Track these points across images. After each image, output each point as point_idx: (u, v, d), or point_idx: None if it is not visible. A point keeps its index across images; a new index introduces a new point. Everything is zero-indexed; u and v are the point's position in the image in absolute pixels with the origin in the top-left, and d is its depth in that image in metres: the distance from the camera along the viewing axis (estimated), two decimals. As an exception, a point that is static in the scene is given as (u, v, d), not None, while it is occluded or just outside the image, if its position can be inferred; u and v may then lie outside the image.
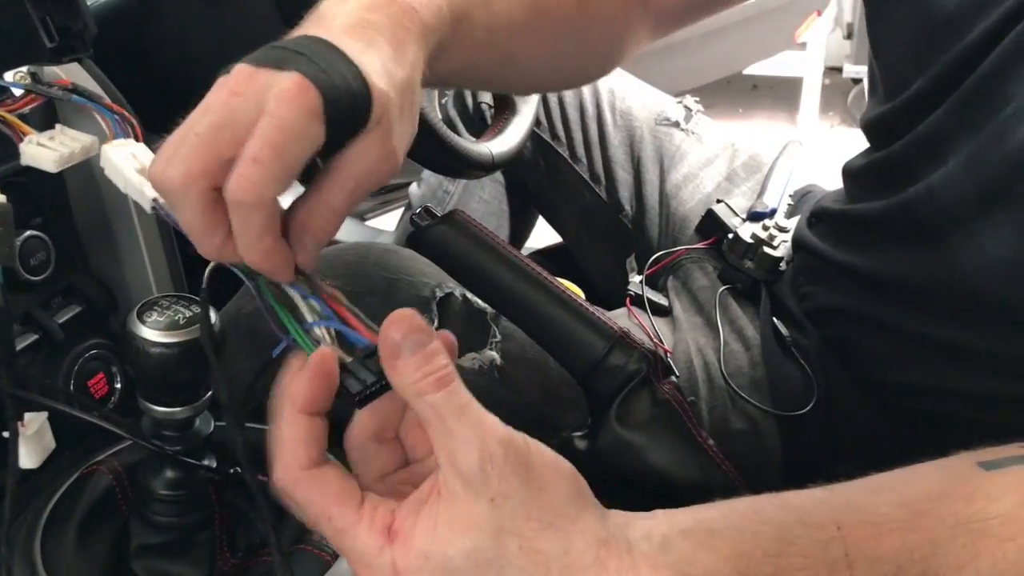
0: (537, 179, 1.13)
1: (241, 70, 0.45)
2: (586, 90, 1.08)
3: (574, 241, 1.13)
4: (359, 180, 0.47)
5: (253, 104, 0.43)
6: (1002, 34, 0.60)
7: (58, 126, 0.58)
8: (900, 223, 0.69)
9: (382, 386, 0.43)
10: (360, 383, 0.43)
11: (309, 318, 0.46)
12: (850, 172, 0.80)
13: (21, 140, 0.58)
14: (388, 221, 1.69)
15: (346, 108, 0.45)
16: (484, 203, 1.17)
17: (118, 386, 0.73)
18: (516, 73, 0.73)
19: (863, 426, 0.73)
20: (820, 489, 0.48)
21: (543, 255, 1.22)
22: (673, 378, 0.62)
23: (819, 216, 0.84)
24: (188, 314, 0.56)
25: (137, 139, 0.55)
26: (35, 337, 0.68)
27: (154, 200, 0.49)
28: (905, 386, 0.71)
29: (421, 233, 0.62)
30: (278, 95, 0.43)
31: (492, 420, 0.41)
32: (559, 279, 1.08)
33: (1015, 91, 0.59)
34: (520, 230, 1.23)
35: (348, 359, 0.44)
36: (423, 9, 0.54)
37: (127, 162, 0.51)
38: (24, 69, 0.70)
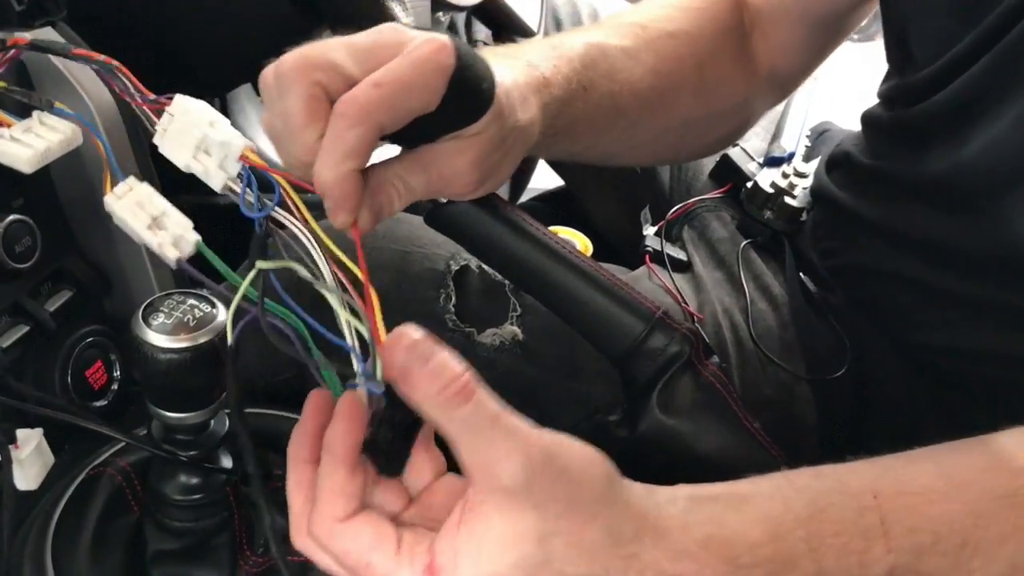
0: (538, 121, 1.07)
1: (396, 24, 0.49)
2: (587, 19, 1.02)
3: (579, 186, 1.09)
4: (439, 173, 0.51)
5: (395, 44, 0.47)
6: None
7: (35, 114, 0.52)
8: (935, 186, 0.65)
9: (404, 444, 0.41)
10: (383, 454, 0.41)
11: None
12: (872, 123, 0.76)
13: (-6, 131, 0.52)
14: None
15: (470, 87, 0.49)
16: (482, 148, 1.12)
17: (117, 374, 0.69)
18: (640, 143, 0.72)
19: (899, 389, 0.70)
20: (858, 461, 0.47)
21: (544, 200, 1.18)
22: (715, 358, 0.59)
23: (838, 163, 0.80)
24: (198, 314, 0.51)
25: (135, 87, 0.48)
26: (26, 329, 0.64)
27: (178, 260, 0.44)
28: (942, 348, 0.68)
29: (440, 211, 0.57)
30: (422, 44, 0.46)
31: (525, 425, 0.39)
32: (564, 228, 1.04)
33: None
34: (521, 174, 1.18)
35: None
36: (552, 79, 0.59)
37: (137, 218, 0.45)
38: (-8, 37, 0.64)
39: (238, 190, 0.44)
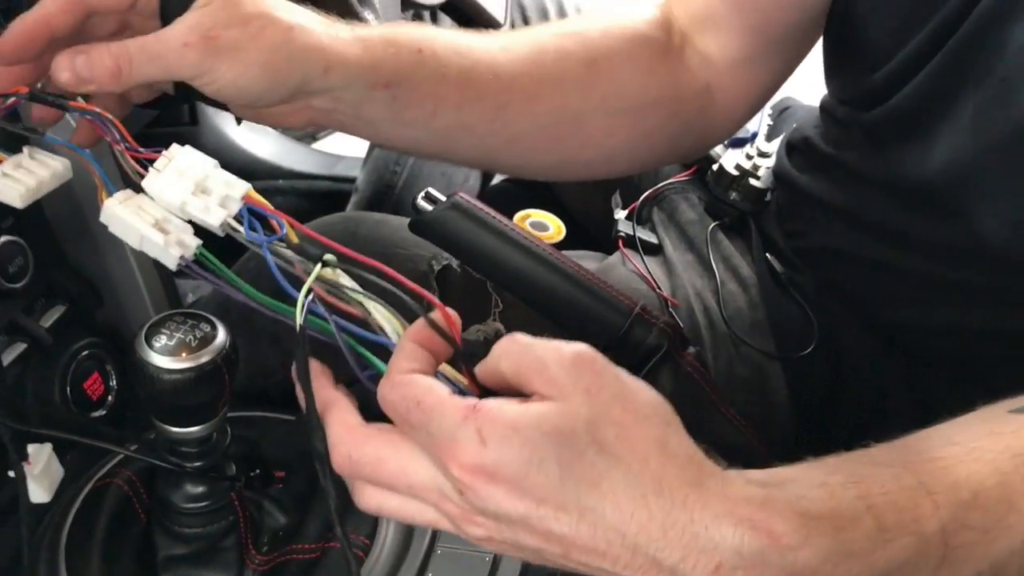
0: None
1: None
2: (554, 14, 1.03)
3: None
4: (155, 37, 0.53)
5: None
6: None
7: (26, 149, 0.53)
8: (900, 185, 0.68)
9: None
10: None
11: None
12: (830, 115, 0.79)
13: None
14: (339, 144, 1.64)
15: None
16: (453, 134, 1.14)
17: (114, 384, 0.71)
18: (521, 133, 0.69)
19: (867, 364, 0.74)
20: (869, 448, 0.48)
21: (516, 182, 1.20)
22: (692, 349, 0.62)
23: (797, 147, 0.83)
24: (199, 334, 0.54)
25: (123, 136, 0.50)
26: (24, 346, 0.66)
27: (181, 258, 0.46)
28: (906, 324, 0.72)
29: (424, 219, 0.60)
30: None
31: None
32: (538, 211, 1.06)
33: (1010, 35, 0.57)
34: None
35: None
36: (368, 30, 0.59)
37: (138, 218, 0.47)
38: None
39: (238, 227, 0.46)
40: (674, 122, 0.75)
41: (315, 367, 0.46)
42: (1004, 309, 0.66)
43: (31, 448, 0.58)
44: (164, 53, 0.53)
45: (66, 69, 0.53)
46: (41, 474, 0.58)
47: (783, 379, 0.74)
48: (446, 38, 0.65)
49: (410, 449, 0.42)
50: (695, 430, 0.60)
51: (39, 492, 0.59)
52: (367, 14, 0.77)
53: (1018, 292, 0.65)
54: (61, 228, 0.69)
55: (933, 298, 0.69)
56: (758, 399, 0.74)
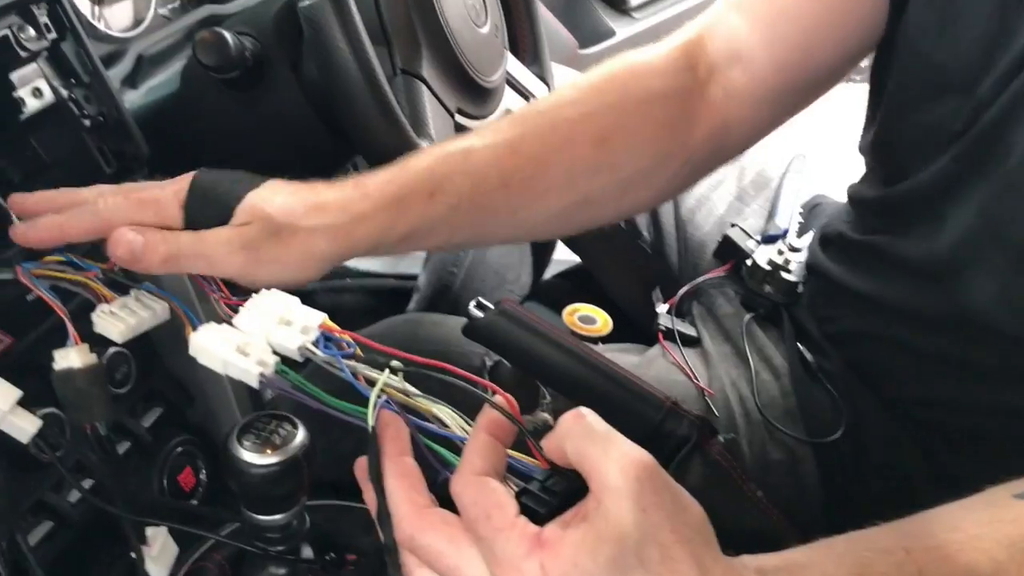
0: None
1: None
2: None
3: (596, 265, 1.19)
4: (204, 248, 0.60)
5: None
6: (1007, 83, 0.63)
7: (132, 291, 0.62)
8: (916, 263, 0.74)
9: (559, 506, 0.47)
10: (542, 504, 0.47)
11: None
12: (857, 200, 0.85)
13: (98, 304, 0.61)
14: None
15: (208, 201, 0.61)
16: (506, 235, 1.22)
17: (204, 476, 0.79)
18: (538, 223, 0.75)
19: (893, 446, 0.79)
20: (879, 527, 0.53)
21: (566, 277, 1.28)
22: (720, 438, 0.68)
23: (831, 240, 0.90)
24: (283, 432, 0.61)
25: (219, 287, 0.60)
26: (128, 444, 0.74)
27: (261, 375, 0.54)
28: (929, 402, 0.76)
29: (476, 325, 0.67)
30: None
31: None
32: (586, 305, 1.14)
33: (1017, 140, 0.63)
34: (542, 255, 1.28)
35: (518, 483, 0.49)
36: (373, 192, 0.65)
37: (223, 347, 0.55)
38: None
39: (315, 350, 0.54)
40: (686, 167, 0.79)
41: (396, 429, 0.52)
42: (1014, 387, 0.71)
43: (149, 531, 0.67)
44: (211, 257, 0.60)
45: (123, 248, 0.60)
46: (159, 554, 0.66)
47: (814, 462, 0.80)
48: (463, 163, 0.69)
49: (470, 553, 0.46)
50: (724, 513, 0.67)
51: (157, 570, 0.67)
52: (423, 142, 0.86)
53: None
54: (160, 341, 0.79)
55: (947, 376, 0.74)
56: (791, 481, 0.79)
